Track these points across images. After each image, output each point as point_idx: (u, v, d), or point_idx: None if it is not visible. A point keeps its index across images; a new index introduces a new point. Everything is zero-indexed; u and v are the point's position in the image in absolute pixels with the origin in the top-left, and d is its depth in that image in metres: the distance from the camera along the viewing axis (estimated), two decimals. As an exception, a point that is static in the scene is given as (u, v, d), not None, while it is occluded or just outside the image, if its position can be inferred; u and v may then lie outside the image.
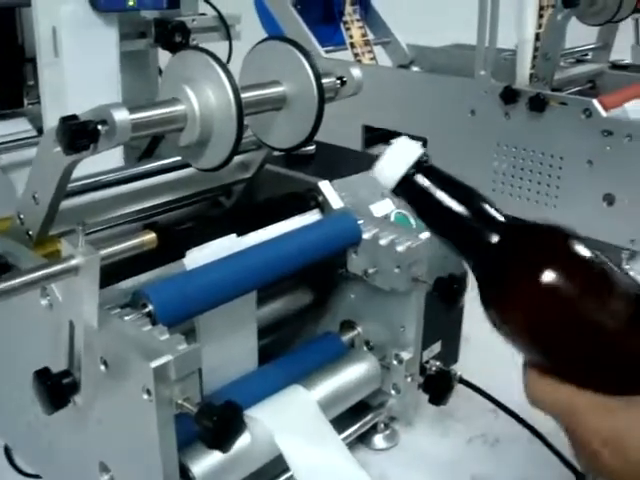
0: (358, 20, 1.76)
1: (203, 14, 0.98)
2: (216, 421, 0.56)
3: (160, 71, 1.02)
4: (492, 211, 0.57)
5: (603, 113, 1.32)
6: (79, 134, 0.60)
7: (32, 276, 0.58)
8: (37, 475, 0.84)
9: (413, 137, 1.56)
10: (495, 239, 0.56)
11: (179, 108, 0.66)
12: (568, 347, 0.54)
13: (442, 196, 0.57)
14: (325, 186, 0.88)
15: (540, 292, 0.53)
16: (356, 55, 1.72)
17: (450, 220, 0.57)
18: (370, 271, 0.83)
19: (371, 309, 0.88)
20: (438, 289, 0.81)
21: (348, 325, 0.91)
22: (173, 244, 0.73)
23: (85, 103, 0.78)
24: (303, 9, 1.73)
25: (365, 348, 0.89)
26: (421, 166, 0.57)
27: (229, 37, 0.97)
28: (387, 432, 0.93)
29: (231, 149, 0.66)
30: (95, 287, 0.59)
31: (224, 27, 0.97)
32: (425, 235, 0.82)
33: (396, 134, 1.63)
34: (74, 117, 0.60)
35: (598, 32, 1.69)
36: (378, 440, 0.92)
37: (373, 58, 1.75)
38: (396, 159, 0.57)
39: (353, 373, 0.86)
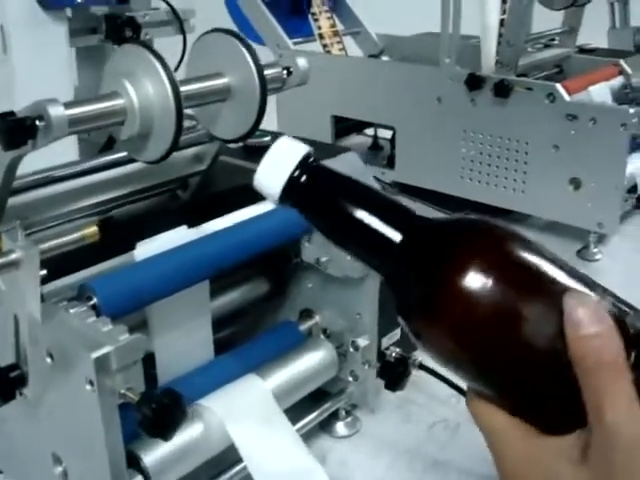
0: (327, 11, 1.76)
1: (156, 9, 0.98)
2: (155, 409, 0.57)
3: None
4: (399, 209, 0.48)
5: (567, 97, 1.32)
6: (16, 130, 0.60)
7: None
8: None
9: (382, 126, 1.58)
10: (405, 241, 0.46)
11: (118, 102, 0.67)
12: (495, 369, 0.44)
13: (337, 198, 0.48)
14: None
15: (461, 301, 0.43)
16: (325, 46, 1.73)
17: (349, 226, 0.47)
18: (323, 259, 0.84)
19: (328, 297, 0.89)
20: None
21: (306, 314, 0.92)
22: (123, 237, 0.74)
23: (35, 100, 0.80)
24: (271, 1, 1.73)
25: (322, 336, 0.90)
26: (307, 167, 0.48)
27: (183, 31, 0.98)
28: (348, 419, 0.94)
29: (171, 141, 0.66)
30: (36, 281, 0.60)
31: (177, 21, 0.97)
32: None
33: (366, 124, 1.65)
34: (11, 114, 0.61)
35: (563, 16, 1.69)
36: (339, 427, 0.93)
37: (342, 49, 1.75)
38: (277, 164, 0.49)
39: (309, 361, 0.87)
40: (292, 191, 0.49)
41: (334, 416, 0.92)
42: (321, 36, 1.73)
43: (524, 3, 1.38)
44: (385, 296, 0.86)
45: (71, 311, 0.65)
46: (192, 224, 0.79)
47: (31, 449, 0.73)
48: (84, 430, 0.64)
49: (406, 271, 0.46)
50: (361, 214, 0.47)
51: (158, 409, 0.57)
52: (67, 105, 0.62)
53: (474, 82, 1.40)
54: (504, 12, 1.45)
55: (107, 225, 0.70)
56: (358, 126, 1.77)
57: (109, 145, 1.00)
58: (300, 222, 0.83)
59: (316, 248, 0.85)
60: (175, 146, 0.67)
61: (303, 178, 0.48)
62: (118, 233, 0.78)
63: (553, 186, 1.37)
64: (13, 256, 0.59)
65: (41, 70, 0.83)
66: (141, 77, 0.67)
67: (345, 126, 1.73)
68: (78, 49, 0.89)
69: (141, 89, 0.67)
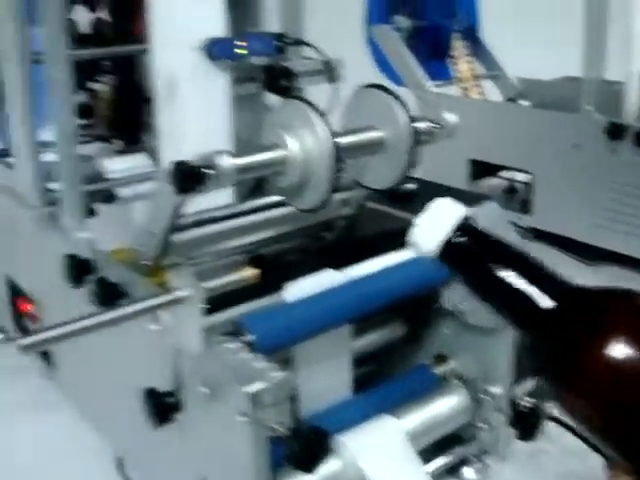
0: (467, 55, 1.78)
1: (308, 58, 1.03)
2: (303, 445, 0.61)
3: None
4: (551, 276, 0.49)
5: None
6: (189, 178, 0.66)
7: (142, 305, 0.64)
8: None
9: (519, 170, 1.57)
10: (556, 307, 0.47)
11: (279, 153, 0.72)
12: None
13: (492, 262, 0.50)
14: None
15: (613, 370, 0.43)
16: (464, 89, 1.75)
17: (501, 287, 0.50)
18: (462, 308, 0.86)
19: (463, 344, 0.91)
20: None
21: (441, 359, 0.94)
22: (274, 276, 0.79)
23: (199, 143, 0.86)
24: (413, 45, 1.77)
25: (457, 382, 0.92)
26: (464, 230, 0.52)
27: (333, 80, 1.02)
28: (478, 465, 0.94)
29: (327, 191, 0.70)
30: (199, 317, 0.65)
31: (328, 71, 1.02)
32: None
33: (502, 168, 1.65)
34: (184, 162, 0.66)
35: None
36: (468, 472, 0.94)
37: (481, 92, 1.77)
38: (436, 223, 0.53)
39: (444, 405, 0.89)
40: (448, 250, 0.53)
41: (463, 461, 0.94)
42: (460, 79, 1.75)
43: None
44: (520, 346, 0.88)
45: (227, 346, 0.69)
46: (337, 266, 0.83)
47: (177, 471, 0.78)
48: (233, 457, 0.68)
49: (554, 335, 0.48)
50: (514, 279, 0.49)
51: (306, 445, 0.61)
52: (235, 156, 0.67)
53: (615, 131, 1.39)
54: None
55: (266, 265, 0.74)
56: (492, 169, 1.78)
57: (258, 188, 1.05)
58: (441, 271, 0.87)
59: (456, 296, 0.87)
60: (330, 196, 0.71)
61: (461, 240, 0.52)
62: (268, 272, 0.82)
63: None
64: (180, 293, 0.64)
65: (204, 115, 0.89)
66: (301, 130, 0.71)
67: (479, 169, 1.74)
68: (235, 96, 0.95)
69: (301, 142, 0.71)
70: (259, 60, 0.93)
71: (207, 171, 0.66)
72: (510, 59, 1.86)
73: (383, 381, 0.92)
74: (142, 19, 1.11)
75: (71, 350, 0.98)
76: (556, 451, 0.98)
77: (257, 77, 0.95)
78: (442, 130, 0.83)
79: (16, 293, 1.17)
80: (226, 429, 0.67)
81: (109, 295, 0.77)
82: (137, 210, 1.06)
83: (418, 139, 0.77)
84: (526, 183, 1.68)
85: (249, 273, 0.70)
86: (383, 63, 1.80)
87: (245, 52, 0.89)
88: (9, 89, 0.96)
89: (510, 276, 0.50)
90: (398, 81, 1.73)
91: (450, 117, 0.83)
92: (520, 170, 1.68)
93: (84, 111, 1.10)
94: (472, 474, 0.94)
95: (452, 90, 1.76)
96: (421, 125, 0.81)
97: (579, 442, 0.90)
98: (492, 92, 1.85)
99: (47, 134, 0.96)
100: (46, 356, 1.09)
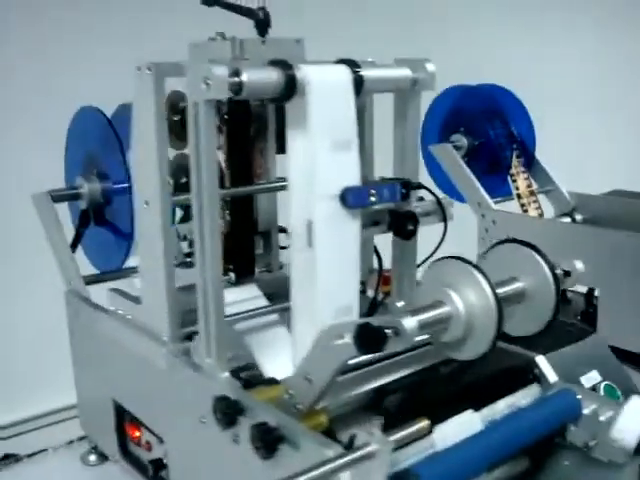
0: (524, 172, 1.86)
1: (421, 199, 1.10)
2: None
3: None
4: None
5: None
6: (372, 339, 0.71)
7: (336, 464, 0.69)
8: None
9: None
10: None
11: (446, 310, 0.77)
12: None
13: None
14: (542, 361, 0.97)
15: None
16: (522, 205, 1.82)
17: None
18: (591, 444, 0.91)
19: (586, 478, 0.95)
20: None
21: (561, 487, 0.98)
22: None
23: (331, 288, 0.92)
24: (471, 161, 1.85)
25: (581, 514, 0.96)
26: None
27: (445, 219, 1.09)
28: None
29: (491, 342, 0.76)
30: (385, 470, 0.70)
31: (441, 210, 1.09)
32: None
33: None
34: (369, 324, 0.72)
35: None
36: None
37: (539, 208, 1.84)
38: (633, 420, 0.59)
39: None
40: None
41: None
42: (519, 196, 1.83)
43: None
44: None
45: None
46: (474, 408, 0.88)
47: None
48: None
49: None
50: None
51: None
52: (413, 314, 0.72)
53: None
54: None
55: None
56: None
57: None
58: (569, 409, 0.91)
59: (583, 432, 0.91)
60: (494, 346, 0.76)
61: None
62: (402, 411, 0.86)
63: None
64: (369, 449, 0.69)
65: (338, 260, 0.95)
66: (463, 287, 0.77)
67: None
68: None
69: (465, 298, 0.77)
70: (385, 205, 0.99)
71: (389, 332, 0.71)
72: (560, 173, 1.94)
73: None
74: (258, 160, 1.20)
75: (203, 475, 1.02)
76: None
77: (381, 220, 1.02)
78: (572, 278, 0.89)
79: (123, 419, 1.21)
80: None
81: (271, 442, 0.81)
82: (250, 341, 1.11)
83: (559, 290, 0.83)
84: (585, 295, 1.74)
85: (423, 425, 0.74)
86: (442, 182, 1.87)
87: (375, 199, 0.95)
88: (142, 228, 1.03)
89: None
90: (459, 198, 1.81)
91: (579, 265, 0.89)
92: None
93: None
94: None
95: (510, 206, 1.83)
96: (558, 272, 0.86)
97: None
98: (545, 206, 1.92)
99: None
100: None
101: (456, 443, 0.80)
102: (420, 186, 1.05)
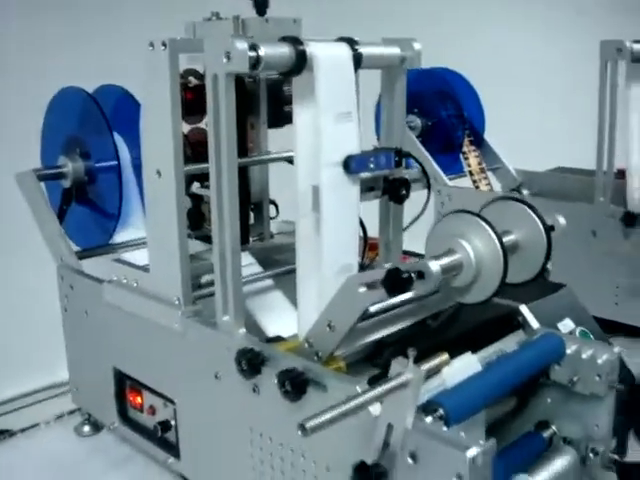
0: (474, 150, 1.98)
1: (408, 168, 1.19)
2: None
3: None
4: None
5: None
6: (399, 282, 0.80)
7: (377, 392, 0.77)
8: None
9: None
10: None
11: (458, 256, 0.86)
12: None
13: None
14: (525, 310, 1.07)
15: None
16: (474, 182, 1.94)
17: None
18: (574, 379, 1.01)
19: (567, 411, 1.06)
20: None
21: (543, 424, 1.08)
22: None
23: (335, 248, 0.99)
24: (425, 140, 1.96)
25: (564, 444, 1.06)
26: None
27: (429, 186, 1.19)
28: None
29: (497, 287, 0.85)
30: (417, 397, 0.78)
31: (425, 178, 1.18)
32: (618, 349, 1.01)
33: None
34: (397, 269, 0.80)
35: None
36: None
37: (489, 184, 1.96)
38: None
39: (559, 465, 1.02)
40: None
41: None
42: (471, 173, 1.95)
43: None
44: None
45: (426, 420, 0.82)
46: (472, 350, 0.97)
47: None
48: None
49: None
50: None
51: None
52: (437, 259, 0.81)
53: (629, 219, 1.58)
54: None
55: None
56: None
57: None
58: (556, 350, 1.02)
59: (566, 370, 1.02)
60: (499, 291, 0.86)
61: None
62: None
63: None
64: (404, 378, 0.77)
65: (340, 222, 1.02)
66: (473, 237, 0.87)
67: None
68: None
69: (474, 246, 0.86)
70: (381, 172, 1.08)
71: (414, 276, 0.80)
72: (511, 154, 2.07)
73: (502, 448, 1.05)
74: (251, 134, 1.27)
75: (212, 435, 1.09)
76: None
77: (376, 187, 1.10)
78: (556, 232, 0.99)
79: (124, 386, 1.26)
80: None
81: (301, 385, 0.89)
82: (252, 305, 1.18)
83: (550, 242, 0.93)
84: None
85: (444, 357, 0.83)
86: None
87: (374, 166, 1.04)
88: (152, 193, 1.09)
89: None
90: (413, 176, 1.91)
91: (561, 219, 0.99)
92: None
93: (195, 215, 1.22)
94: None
95: (464, 183, 1.95)
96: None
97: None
98: (493, 183, 2.05)
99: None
100: (167, 444, 1.19)
101: (463, 380, 0.89)
102: (409, 155, 1.14)
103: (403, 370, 0.78)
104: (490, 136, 2.06)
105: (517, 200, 0.96)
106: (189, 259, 1.08)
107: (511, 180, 2.03)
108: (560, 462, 1.03)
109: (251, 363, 0.95)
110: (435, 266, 0.81)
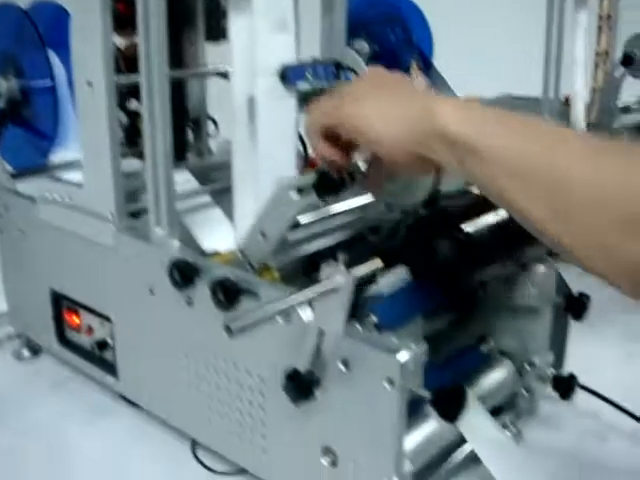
0: (422, 75, 1.95)
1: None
2: (453, 398, 0.74)
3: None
4: None
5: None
6: (332, 184, 0.79)
7: (305, 294, 0.76)
8: (227, 473, 1.01)
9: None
10: None
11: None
12: None
13: None
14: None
15: None
16: (422, 108, 1.91)
17: None
18: (512, 292, 1.02)
19: (505, 325, 1.07)
20: (569, 306, 0.99)
21: (483, 339, 1.09)
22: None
23: (271, 159, 0.98)
24: (368, 63, 1.92)
25: (502, 357, 1.07)
26: None
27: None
28: (514, 430, 1.09)
29: (431, 189, 0.85)
30: (348, 303, 0.77)
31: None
32: (554, 262, 1.01)
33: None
34: (326, 172, 0.79)
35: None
36: (509, 437, 1.09)
37: (437, 111, 1.94)
38: None
39: (496, 378, 1.04)
40: None
41: (503, 427, 1.08)
42: (419, 99, 1.92)
43: (619, 74, 1.58)
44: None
45: (357, 326, 0.82)
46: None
47: (295, 445, 0.89)
48: (371, 423, 0.80)
49: None
50: None
51: (452, 399, 0.74)
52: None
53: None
54: (595, 80, 1.64)
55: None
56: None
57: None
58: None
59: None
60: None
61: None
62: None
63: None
64: (334, 282, 0.76)
65: (277, 134, 1.01)
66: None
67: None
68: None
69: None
70: (319, 84, 1.05)
71: (347, 178, 0.78)
72: (458, 80, 2.04)
73: (438, 360, 1.06)
74: (188, 47, 1.23)
75: (148, 352, 1.07)
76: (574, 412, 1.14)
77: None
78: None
79: (61, 308, 1.24)
80: (367, 397, 0.79)
81: (233, 294, 0.87)
82: (189, 222, 1.16)
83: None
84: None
85: (377, 262, 0.82)
86: (345, 85, 1.94)
87: (311, 78, 1.01)
88: (83, 105, 1.05)
89: None
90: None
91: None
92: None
93: (132, 131, 1.18)
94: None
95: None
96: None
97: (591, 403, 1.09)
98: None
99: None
100: (105, 364, 1.17)
101: (397, 289, 0.89)
102: (350, 68, 1.11)
103: (333, 274, 0.77)
104: (438, 62, 2.03)
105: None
106: (122, 172, 1.05)
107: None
108: (496, 374, 1.05)
109: (184, 274, 0.93)
110: (365, 166, 0.79)
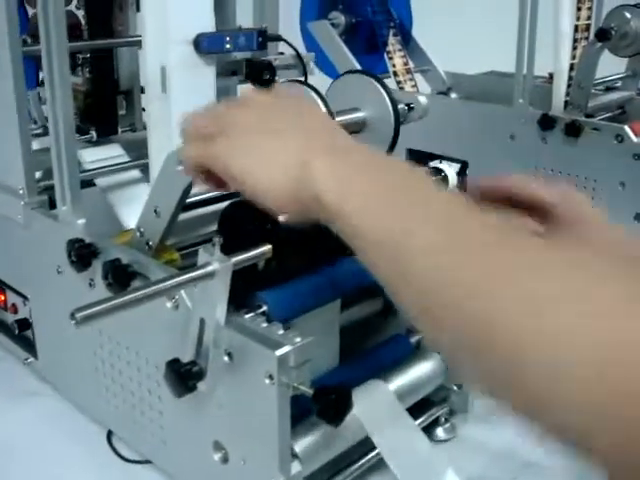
0: (400, 50, 1.88)
1: (282, 53, 1.10)
2: (334, 399, 0.68)
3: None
4: None
5: (634, 138, 1.43)
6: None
7: (177, 280, 0.70)
8: (139, 461, 0.96)
9: (454, 160, 1.68)
10: None
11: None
12: None
13: None
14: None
15: None
16: (399, 83, 1.85)
17: None
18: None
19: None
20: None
21: (413, 329, 1.02)
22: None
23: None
24: (349, 39, 1.86)
25: (430, 349, 1.01)
26: None
27: (305, 73, 1.10)
28: (447, 425, 1.03)
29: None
30: (226, 290, 0.71)
31: (301, 65, 1.09)
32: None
33: (439, 157, 1.76)
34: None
35: (628, 62, 1.80)
36: (440, 432, 1.03)
37: (414, 85, 1.87)
38: None
39: (422, 369, 0.97)
40: None
41: (435, 422, 1.02)
42: (395, 73, 1.85)
43: (595, 50, 1.49)
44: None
45: (246, 317, 0.76)
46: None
47: (190, 438, 0.84)
48: (255, 419, 0.74)
49: None
50: None
51: (337, 399, 0.68)
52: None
53: (547, 122, 1.51)
54: (574, 57, 1.56)
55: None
56: (429, 157, 1.87)
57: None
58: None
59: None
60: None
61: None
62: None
63: (618, 221, 1.45)
64: (210, 268, 0.70)
65: (193, 106, 0.95)
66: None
67: (417, 157, 1.83)
68: (217, 89, 1.01)
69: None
70: (242, 54, 0.99)
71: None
72: (439, 55, 1.97)
73: (362, 351, 1.00)
74: (118, 16, 1.17)
75: (61, 333, 1.02)
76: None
77: (238, 70, 1.01)
78: (415, 112, 0.91)
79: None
80: (249, 392, 0.74)
81: (123, 277, 0.82)
82: (115, 198, 1.11)
83: (398, 119, 0.86)
84: (458, 173, 1.78)
85: (266, 249, 0.76)
86: (320, 58, 1.87)
87: (231, 47, 0.95)
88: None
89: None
90: (334, 75, 1.81)
91: (422, 99, 0.92)
92: (455, 160, 1.78)
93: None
94: (442, 434, 1.03)
95: (389, 84, 1.85)
96: (400, 106, 0.89)
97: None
98: (422, 86, 1.95)
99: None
100: (26, 343, 1.13)
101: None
102: (278, 38, 1.05)
103: (210, 259, 0.71)
104: (421, 37, 1.96)
105: (366, 74, 0.88)
106: (30, 146, 1.00)
107: (440, 82, 1.93)
108: (421, 367, 0.98)
109: (80, 255, 0.88)
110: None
